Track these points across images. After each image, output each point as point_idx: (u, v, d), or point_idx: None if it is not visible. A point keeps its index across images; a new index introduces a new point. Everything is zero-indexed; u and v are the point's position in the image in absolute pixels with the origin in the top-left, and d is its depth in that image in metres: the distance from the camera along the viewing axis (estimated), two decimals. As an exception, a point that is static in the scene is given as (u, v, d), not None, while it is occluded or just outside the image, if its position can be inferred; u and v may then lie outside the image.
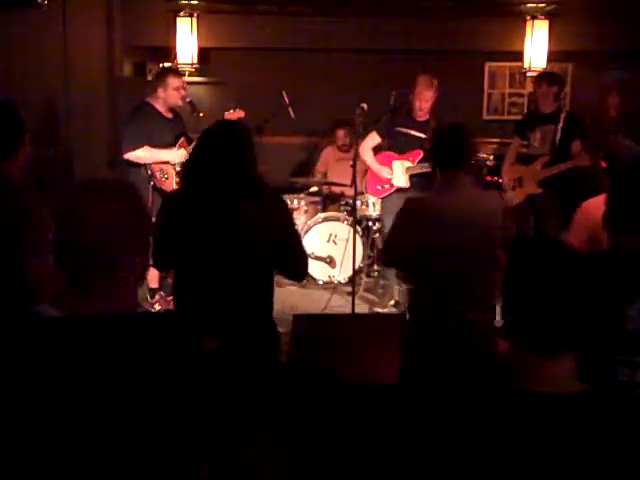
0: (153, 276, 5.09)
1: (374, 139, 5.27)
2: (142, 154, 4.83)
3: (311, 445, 2.83)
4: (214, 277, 2.70)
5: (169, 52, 6.69)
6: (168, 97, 4.91)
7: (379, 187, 5.28)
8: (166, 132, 4.96)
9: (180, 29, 6.49)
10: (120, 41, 6.44)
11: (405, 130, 5.13)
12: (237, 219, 2.64)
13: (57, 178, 4.98)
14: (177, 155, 4.93)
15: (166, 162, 4.91)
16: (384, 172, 5.20)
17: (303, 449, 2.81)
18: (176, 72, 5.18)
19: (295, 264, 2.87)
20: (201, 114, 5.05)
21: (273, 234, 2.69)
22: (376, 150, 5.35)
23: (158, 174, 4.89)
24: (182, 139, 5.01)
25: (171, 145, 4.97)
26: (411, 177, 5.13)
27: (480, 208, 3.01)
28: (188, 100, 5.05)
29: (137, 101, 5.11)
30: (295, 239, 2.89)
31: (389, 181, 5.22)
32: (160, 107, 4.95)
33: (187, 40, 6.51)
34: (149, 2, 6.51)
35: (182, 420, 1.39)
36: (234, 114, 5.12)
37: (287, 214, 2.88)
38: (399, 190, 5.16)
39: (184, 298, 2.82)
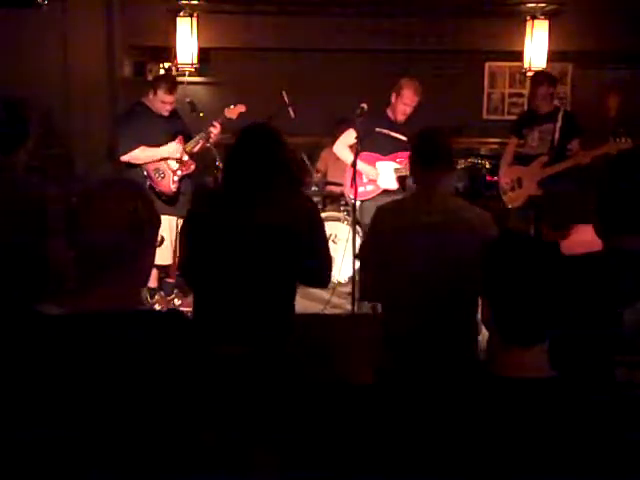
0: (152, 276, 5.07)
1: (350, 137, 4.92)
2: (139, 154, 4.82)
3: (310, 444, 2.83)
4: (235, 284, 2.62)
5: (169, 52, 6.69)
6: (154, 103, 4.90)
7: (362, 189, 4.95)
8: (160, 131, 4.92)
9: (180, 29, 6.50)
10: (120, 41, 6.44)
11: (386, 131, 4.94)
12: (254, 221, 2.60)
13: (58, 178, 4.99)
14: (173, 149, 4.90)
15: (164, 159, 4.90)
16: (371, 173, 5.00)
17: (302, 448, 2.81)
18: (171, 87, 4.89)
19: (317, 268, 2.78)
20: (201, 114, 5.04)
21: (298, 232, 2.63)
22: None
23: (153, 174, 4.88)
24: (179, 138, 4.98)
25: (167, 144, 4.94)
26: (399, 179, 4.99)
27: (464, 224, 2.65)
28: (188, 100, 5.04)
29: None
30: (321, 242, 2.79)
31: (374, 182, 5.04)
32: (153, 106, 4.93)
33: (187, 40, 6.52)
34: (149, 2, 6.51)
35: (182, 417, 1.40)
36: (235, 109, 5.09)
37: (316, 217, 2.81)
38: (385, 192, 5.00)
39: (204, 309, 2.72)
